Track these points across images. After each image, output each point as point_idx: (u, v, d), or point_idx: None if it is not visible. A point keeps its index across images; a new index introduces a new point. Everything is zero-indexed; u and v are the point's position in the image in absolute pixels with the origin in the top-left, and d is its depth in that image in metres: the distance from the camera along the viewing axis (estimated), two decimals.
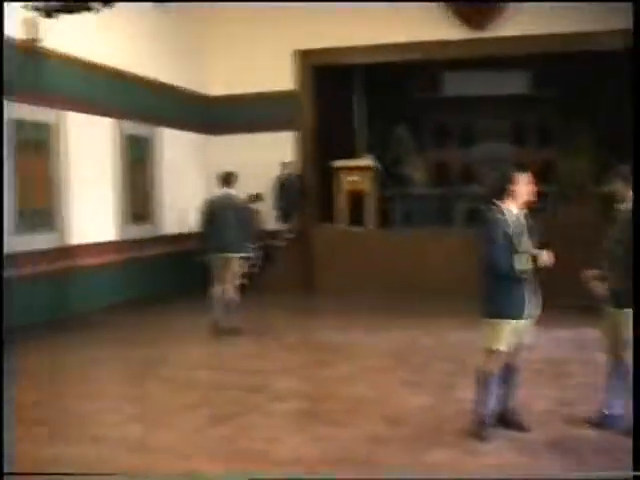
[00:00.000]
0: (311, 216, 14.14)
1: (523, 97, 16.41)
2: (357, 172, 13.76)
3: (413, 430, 5.66)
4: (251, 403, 6.50)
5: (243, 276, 10.47)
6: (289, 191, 13.76)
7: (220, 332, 9.45)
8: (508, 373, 5.53)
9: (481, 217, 5.58)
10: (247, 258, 10.38)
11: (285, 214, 13.91)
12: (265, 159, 13.67)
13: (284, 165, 13.79)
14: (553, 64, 15.17)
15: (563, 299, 8.78)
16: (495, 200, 5.42)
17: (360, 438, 5.49)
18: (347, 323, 10.42)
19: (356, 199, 13.71)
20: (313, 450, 5.26)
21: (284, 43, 13.99)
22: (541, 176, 14.03)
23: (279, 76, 14.09)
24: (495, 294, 5.41)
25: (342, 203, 13.79)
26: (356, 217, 13.69)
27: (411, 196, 14.80)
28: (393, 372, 7.60)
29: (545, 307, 5.52)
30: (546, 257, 5.26)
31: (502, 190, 5.38)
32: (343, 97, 15.15)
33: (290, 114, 14.10)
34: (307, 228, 13.90)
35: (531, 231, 5.43)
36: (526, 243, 5.33)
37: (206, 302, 9.56)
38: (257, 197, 13.10)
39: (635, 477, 4.33)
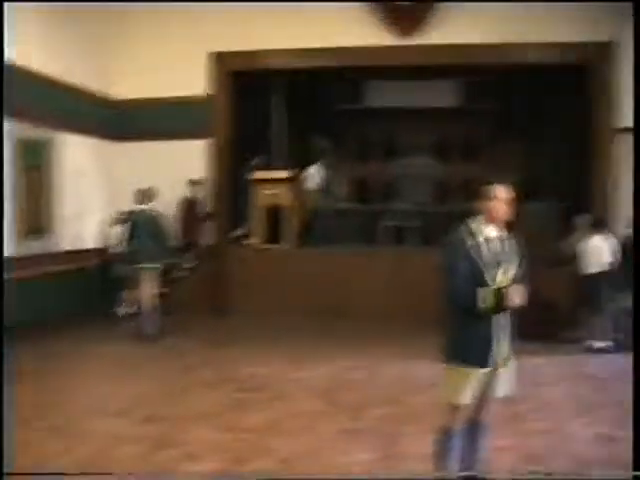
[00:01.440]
0: (225, 232, 12.99)
1: (451, 110, 15.54)
2: (275, 185, 12.64)
3: None
4: (153, 462, 5.23)
5: (164, 287, 10.82)
6: (194, 215, 12.73)
7: (143, 340, 9.77)
8: (473, 431, 4.53)
9: (446, 237, 4.55)
10: (166, 270, 10.85)
11: (186, 243, 12.70)
12: (174, 168, 12.43)
13: (193, 183, 12.67)
14: (485, 76, 14.42)
15: None
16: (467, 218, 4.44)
17: None
18: (269, 353, 9.29)
19: (274, 214, 12.63)
20: None
21: (197, 45, 12.81)
22: (465, 193, 13.46)
23: (191, 80, 12.90)
24: (457, 334, 4.38)
25: (259, 218, 12.69)
26: (274, 233, 12.62)
27: (332, 212, 13.78)
28: (326, 417, 6.52)
29: None
30: (516, 295, 4.24)
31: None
32: (261, 105, 14.05)
33: (203, 121, 12.94)
34: (220, 246, 12.76)
35: (514, 259, 4.44)
36: (504, 274, 4.34)
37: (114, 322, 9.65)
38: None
39: (635, 477, 4.19)
